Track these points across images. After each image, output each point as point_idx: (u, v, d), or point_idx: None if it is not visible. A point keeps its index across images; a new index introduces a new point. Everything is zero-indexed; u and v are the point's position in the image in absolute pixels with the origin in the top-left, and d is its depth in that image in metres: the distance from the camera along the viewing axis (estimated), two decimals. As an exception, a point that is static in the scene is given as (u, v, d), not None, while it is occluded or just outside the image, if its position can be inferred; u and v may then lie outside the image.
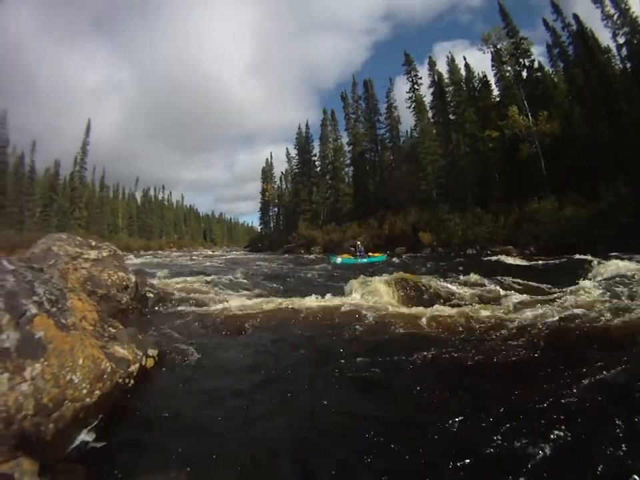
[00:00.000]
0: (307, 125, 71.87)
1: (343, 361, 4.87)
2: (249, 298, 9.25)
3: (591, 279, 9.60)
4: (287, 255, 45.00)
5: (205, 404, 3.79)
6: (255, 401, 3.83)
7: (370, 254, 28.20)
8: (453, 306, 7.87)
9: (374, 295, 8.87)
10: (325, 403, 3.78)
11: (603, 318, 6.06)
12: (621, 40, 38.39)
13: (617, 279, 9.19)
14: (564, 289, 8.76)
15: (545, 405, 3.49)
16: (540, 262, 19.42)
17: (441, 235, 37.60)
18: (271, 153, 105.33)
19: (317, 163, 68.53)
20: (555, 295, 8.34)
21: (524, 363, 4.59)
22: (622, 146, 31.95)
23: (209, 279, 12.81)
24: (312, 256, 38.65)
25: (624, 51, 38.43)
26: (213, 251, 75.95)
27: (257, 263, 27.14)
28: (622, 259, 12.35)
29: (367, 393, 4.06)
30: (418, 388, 4.00)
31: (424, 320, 6.68)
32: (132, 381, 4.06)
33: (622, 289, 8.10)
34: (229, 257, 41.71)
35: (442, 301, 8.53)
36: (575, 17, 40.85)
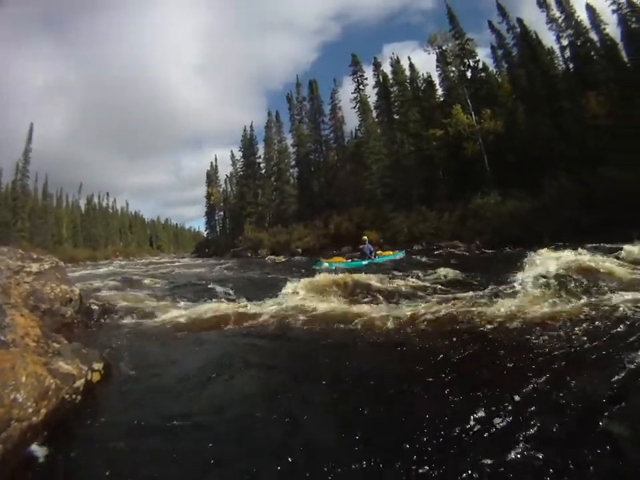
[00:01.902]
0: (251, 126, 69.30)
1: (296, 370, 4.79)
2: (195, 306, 8.79)
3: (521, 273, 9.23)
4: (234, 260, 42.69)
5: (152, 418, 3.56)
6: (202, 417, 3.55)
7: (380, 252, 21.89)
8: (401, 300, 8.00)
9: (315, 296, 8.69)
10: (281, 419, 3.42)
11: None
12: (565, 42, 39.65)
13: (548, 271, 8.86)
14: (501, 284, 8.59)
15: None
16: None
17: (387, 232, 37.35)
18: (215, 156, 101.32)
19: (261, 165, 66.61)
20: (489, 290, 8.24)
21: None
22: (565, 142, 32.51)
23: (156, 287, 12.77)
24: (267, 259, 37.21)
25: (567, 52, 39.72)
26: (160, 258, 72.10)
27: (203, 269, 26.07)
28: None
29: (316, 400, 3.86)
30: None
31: (367, 319, 6.52)
32: (79, 397, 3.86)
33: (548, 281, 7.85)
34: (176, 263, 39.57)
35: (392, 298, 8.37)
36: (519, 20, 41.74)
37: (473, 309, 6.48)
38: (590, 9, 38.53)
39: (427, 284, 9.71)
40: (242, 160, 70.63)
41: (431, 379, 3.93)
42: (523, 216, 28.57)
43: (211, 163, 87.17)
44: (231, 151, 79.98)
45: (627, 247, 11.29)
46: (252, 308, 7.98)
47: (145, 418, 3.51)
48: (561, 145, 32.50)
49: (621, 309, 5.58)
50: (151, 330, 6.82)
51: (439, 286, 9.30)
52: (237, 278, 15.84)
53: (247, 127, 69.77)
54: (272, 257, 40.78)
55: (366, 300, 8.30)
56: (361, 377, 4.20)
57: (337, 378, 4.22)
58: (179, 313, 7.98)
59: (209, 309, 8.16)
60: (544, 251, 11.23)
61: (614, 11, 36.90)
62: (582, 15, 38.54)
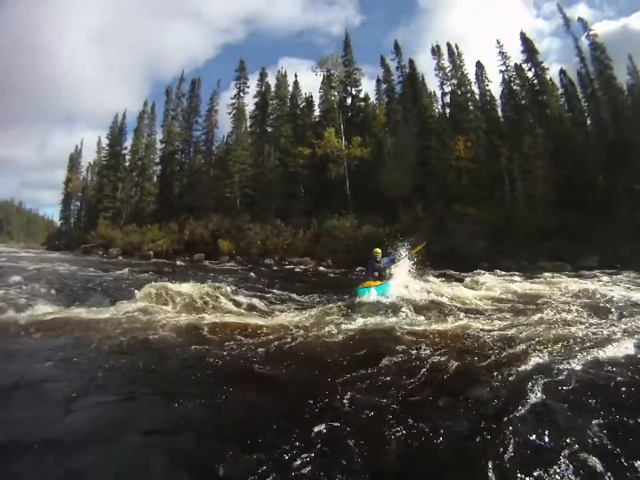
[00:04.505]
0: (124, 114, 60.99)
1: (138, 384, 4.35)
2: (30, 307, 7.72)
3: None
4: (85, 257, 37.70)
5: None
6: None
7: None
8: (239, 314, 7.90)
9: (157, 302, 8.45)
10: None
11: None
12: (447, 89, 41.49)
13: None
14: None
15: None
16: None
17: (241, 243, 35.57)
18: (82, 139, 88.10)
19: (127, 157, 59.03)
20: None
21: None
22: (426, 177, 33.26)
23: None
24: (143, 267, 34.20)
25: (447, 99, 41.88)
26: (8, 247, 61.45)
27: (48, 265, 21.73)
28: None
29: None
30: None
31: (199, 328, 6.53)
32: None
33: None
34: (19, 255, 33.97)
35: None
36: (411, 61, 42.74)
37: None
38: (479, 66, 40.68)
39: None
40: (107, 148, 62.93)
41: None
42: (377, 240, 27.55)
43: (76, 146, 76.60)
44: (99, 137, 68.98)
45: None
46: (92, 313, 7.38)
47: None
48: (422, 178, 32.94)
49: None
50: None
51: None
52: (81, 276, 14.96)
53: (119, 113, 61.41)
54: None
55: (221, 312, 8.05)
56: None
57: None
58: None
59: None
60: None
61: (501, 71, 39.45)
62: (470, 69, 40.79)
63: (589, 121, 36.62)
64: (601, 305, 9.09)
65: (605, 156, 29.29)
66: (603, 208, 26.17)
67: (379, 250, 12.47)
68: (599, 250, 23.22)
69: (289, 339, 5.78)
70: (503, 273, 17.91)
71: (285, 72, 48.66)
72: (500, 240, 25.15)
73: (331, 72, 43.78)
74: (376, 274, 11.74)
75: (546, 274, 17.32)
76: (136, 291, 8.77)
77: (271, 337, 5.95)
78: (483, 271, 17.46)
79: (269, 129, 46.49)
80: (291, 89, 47.80)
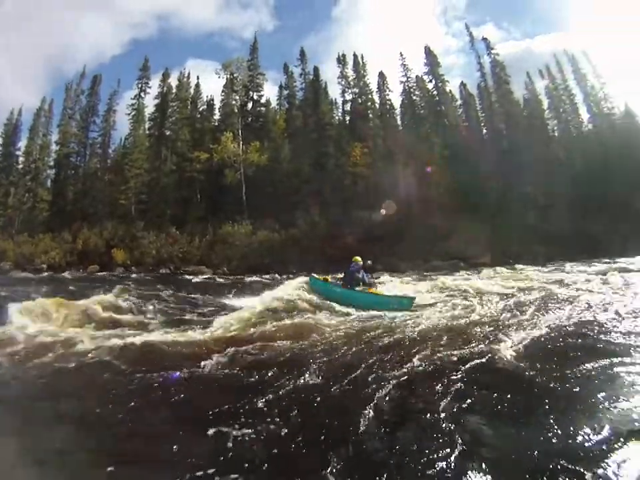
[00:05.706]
0: (19, 111, 54.77)
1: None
2: None
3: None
4: None
5: None
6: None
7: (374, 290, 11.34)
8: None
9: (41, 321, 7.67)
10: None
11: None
12: (349, 97, 41.93)
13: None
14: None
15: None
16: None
17: (135, 252, 33.75)
18: None
19: (20, 159, 53.83)
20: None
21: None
22: (323, 183, 33.27)
23: None
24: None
25: (347, 106, 42.26)
26: None
27: None
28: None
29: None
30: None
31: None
32: None
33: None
34: None
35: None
36: (315, 68, 43.11)
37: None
38: (381, 76, 41.93)
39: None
40: (0, 149, 57.46)
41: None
42: (273, 246, 29.45)
43: (-31, 147, 69.53)
44: (-7, 138, 63.69)
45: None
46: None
47: None
48: (319, 184, 33.03)
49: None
50: None
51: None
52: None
53: (14, 110, 55.49)
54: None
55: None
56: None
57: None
58: None
59: None
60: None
61: (402, 82, 41.13)
62: (373, 79, 41.77)
63: (484, 131, 38.82)
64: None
65: (498, 162, 31.18)
66: (496, 210, 28.51)
67: (359, 259, 11.54)
68: (491, 248, 25.30)
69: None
70: (402, 275, 18.58)
71: (189, 73, 46.69)
72: (395, 242, 26.00)
73: (235, 75, 42.22)
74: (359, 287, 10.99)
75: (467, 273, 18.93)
76: (14, 310, 7.77)
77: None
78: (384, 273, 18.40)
79: (168, 132, 43.96)
80: (192, 91, 45.95)
